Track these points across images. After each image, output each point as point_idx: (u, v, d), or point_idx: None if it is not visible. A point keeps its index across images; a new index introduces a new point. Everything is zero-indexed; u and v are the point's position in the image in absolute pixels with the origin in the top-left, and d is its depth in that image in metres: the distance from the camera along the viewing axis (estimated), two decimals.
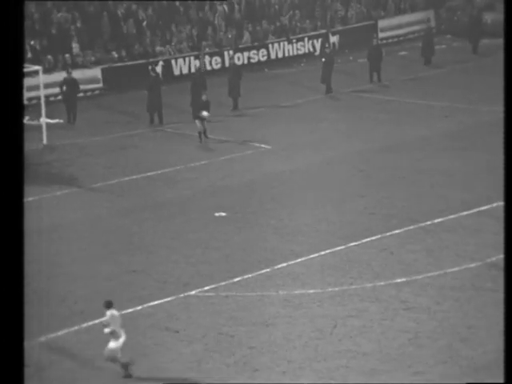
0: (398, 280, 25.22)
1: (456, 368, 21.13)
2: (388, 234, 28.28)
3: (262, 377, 21.07)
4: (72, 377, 20.83)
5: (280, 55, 49.91)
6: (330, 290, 25.03)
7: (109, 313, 20.48)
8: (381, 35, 51.48)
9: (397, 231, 28.41)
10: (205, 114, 36.93)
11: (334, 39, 50.22)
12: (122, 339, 20.46)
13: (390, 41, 52.34)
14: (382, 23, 52.88)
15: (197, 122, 37.02)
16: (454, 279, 25.31)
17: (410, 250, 27.19)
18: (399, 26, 53.33)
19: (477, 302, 24.02)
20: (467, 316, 23.37)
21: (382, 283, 25.18)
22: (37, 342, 21.61)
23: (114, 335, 20.46)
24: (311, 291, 25.14)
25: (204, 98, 37.30)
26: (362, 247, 27.53)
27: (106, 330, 20.45)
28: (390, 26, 53.15)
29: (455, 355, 21.62)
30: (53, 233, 28.88)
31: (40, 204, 31.15)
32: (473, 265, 26.08)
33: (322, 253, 27.32)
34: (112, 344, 20.47)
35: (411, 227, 28.62)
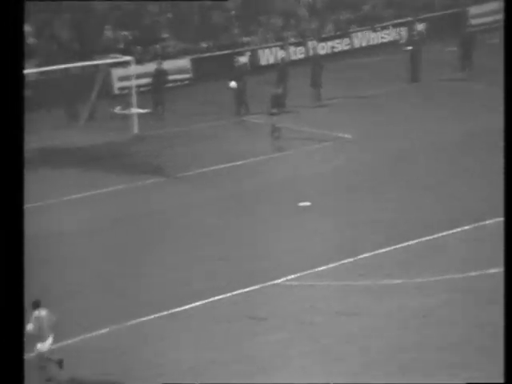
0: (491, 271, 24.84)
1: None
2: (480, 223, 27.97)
3: (342, 366, 20.99)
4: None
5: (364, 44, 49.66)
6: (414, 280, 24.83)
7: (36, 312, 20.01)
8: (472, 22, 50.49)
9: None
10: (232, 84, 37.08)
11: (420, 27, 49.68)
12: (49, 341, 20.06)
13: (480, 28, 50.91)
14: (473, 10, 52.01)
15: (271, 116, 36.27)
16: None
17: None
18: (489, 13, 52.12)
19: None
20: None
21: (473, 274, 24.97)
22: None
23: (40, 337, 20.03)
24: (395, 281, 25.01)
25: (280, 90, 36.75)
26: (449, 238, 27.26)
27: (29, 329, 19.75)
28: (480, 13, 52.19)
29: None
30: (142, 219, 29.27)
31: (128, 192, 31.70)
32: None
33: (406, 243, 27.11)
34: (39, 346, 20.02)
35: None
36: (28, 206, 28.80)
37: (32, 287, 23.81)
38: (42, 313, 20.01)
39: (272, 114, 35.90)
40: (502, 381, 15.37)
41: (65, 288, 24.92)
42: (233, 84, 34.15)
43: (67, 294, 24.57)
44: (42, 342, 19.95)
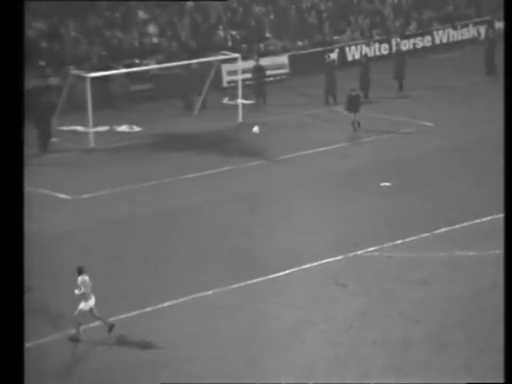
0: None
1: None
2: None
3: (421, 328, 21.09)
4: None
5: (444, 40, 49.18)
6: (491, 252, 24.44)
7: (80, 278, 20.52)
8: None
9: None
10: (255, 129, 36.22)
11: (499, 25, 48.59)
12: (91, 301, 20.59)
13: None
14: None
15: (349, 113, 35.95)
16: None
17: None
18: None
19: None
20: None
21: None
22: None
23: (84, 298, 20.56)
24: (471, 253, 24.94)
25: (354, 93, 36.05)
26: None
27: (77, 292, 20.56)
28: None
29: None
30: (249, 197, 29.52)
31: (234, 172, 32.01)
32: None
33: (484, 219, 26.92)
34: (82, 305, 20.58)
35: None
36: (153, 183, 30.09)
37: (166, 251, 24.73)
38: (85, 277, 20.53)
39: (349, 111, 35.85)
40: (502, 381, 14.36)
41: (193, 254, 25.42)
42: (255, 129, 32.02)
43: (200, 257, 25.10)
44: (85, 301, 20.53)
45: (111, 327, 20.85)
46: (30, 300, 18.39)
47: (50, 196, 29.82)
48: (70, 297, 20.83)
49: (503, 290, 14.76)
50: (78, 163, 33.09)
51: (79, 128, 35.31)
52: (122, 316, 21.78)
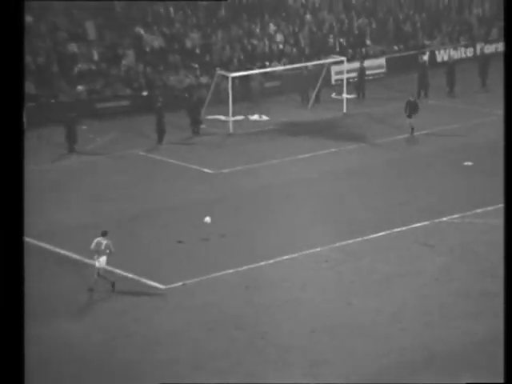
0: None
1: None
2: None
3: (498, 282, 20.26)
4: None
5: None
6: None
7: (99, 238, 19.95)
8: None
9: None
10: (207, 219, 23.59)
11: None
12: (101, 260, 19.95)
13: None
14: None
15: (407, 120, 33.17)
16: None
17: None
18: None
19: None
20: None
21: None
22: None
23: (96, 255, 19.89)
24: None
25: (412, 99, 33.48)
26: None
27: (91, 247, 19.94)
28: None
29: None
30: (349, 175, 29.09)
31: (340, 153, 31.55)
32: None
33: None
34: (96, 262, 20.00)
35: None
36: (277, 161, 30.28)
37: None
38: (103, 241, 19.81)
39: (408, 117, 33.51)
40: (501, 381, 12.46)
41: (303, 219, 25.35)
42: (207, 219, 23.31)
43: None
44: (96, 259, 19.94)
45: (113, 284, 20.30)
46: None
47: (197, 170, 30.10)
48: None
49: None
50: (220, 145, 33.40)
51: (222, 117, 35.56)
52: (256, 265, 21.83)
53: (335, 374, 17.13)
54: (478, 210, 25.38)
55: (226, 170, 30.09)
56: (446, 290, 20.51)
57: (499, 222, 24.05)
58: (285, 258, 22.53)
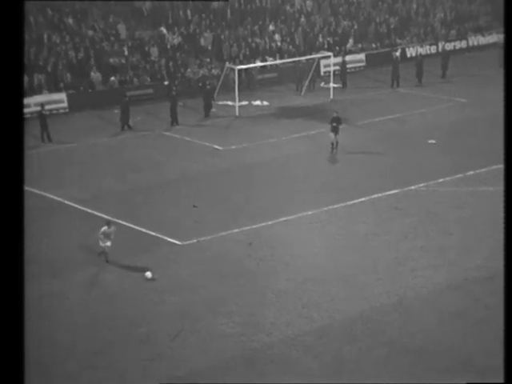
0: None
1: None
2: None
3: (454, 238, 20.45)
4: None
5: (475, 43, 46.15)
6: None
7: (106, 227, 18.89)
8: None
9: None
10: (148, 274, 18.58)
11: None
12: (106, 244, 18.86)
13: None
14: None
15: (331, 135, 28.10)
16: None
17: None
18: None
19: None
20: None
21: None
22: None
23: (104, 239, 18.86)
24: (491, 188, 23.91)
25: (336, 115, 28.14)
26: None
27: (102, 237, 18.82)
28: None
29: None
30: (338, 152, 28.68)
31: (324, 134, 30.36)
32: None
33: (500, 165, 25.29)
34: (102, 243, 18.95)
35: None
36: (275, 140, 30.02)
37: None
38: (108, 229, 18.82)
39: (333, 132, 28.13)
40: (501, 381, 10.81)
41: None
42: (148, 274, 18.38)
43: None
44: (104, 242, 18.89)
45: (106, 255, 19.18)
46: None
47: (209, 146, 29.77)
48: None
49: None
50: (228, 126, 32.91)
51: (229, 102, 35.06)
52: (258, 225, 21.63)
53: (323, 314, 17.14)
54: (440, 180, 25.16)
55: (233, 147, 29.73)
56: (413, 246, 20.41)
57: (457, 189, 24.31)
58: (282, 219, 22.36)
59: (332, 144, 28.03)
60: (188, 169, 27.20)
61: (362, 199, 23.85)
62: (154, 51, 38.27)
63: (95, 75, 35.36)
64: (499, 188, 23.34)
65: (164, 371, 15.12)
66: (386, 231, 21.44)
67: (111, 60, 36.75)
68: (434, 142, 29.33)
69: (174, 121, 32.54)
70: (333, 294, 18.00)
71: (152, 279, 17.77)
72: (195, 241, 21.03)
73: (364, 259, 19.78)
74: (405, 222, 21.99)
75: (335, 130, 28.02)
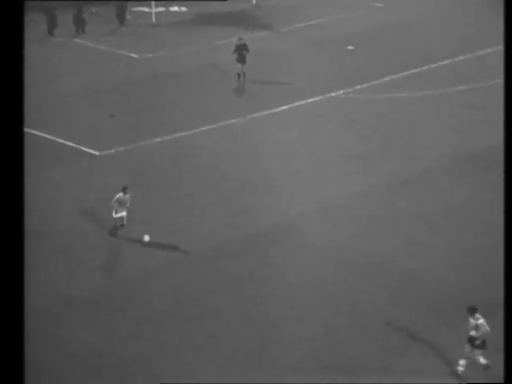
0: None
1: None
2: None
3: (372, 144, 20.70)
4: None
5: None
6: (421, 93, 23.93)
7: (121, 194, 16.31)
8: None
9: None
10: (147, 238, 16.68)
11: None
12: (121, 213, 16.39)
13: None
14: None
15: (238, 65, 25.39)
16: None
17: None
18: None
19: None
20: None
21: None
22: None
23: (117, 209, 16.32)
24: (405, 94, 24.14)
25: (241, 42, 25.26)
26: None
27: (116, 205, 16.27)
28: None
29: None
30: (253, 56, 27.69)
31: (246, 41, 29.21)
32: None
33: (417, 69, 25.97)
34: (116, 213, 16.36)
35: None
36: (195, 47, 28.88)
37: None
38: (123, 196, 16.37)
39: (239, 62, 25.37)
40: (501, 381, 10.74)
41: None
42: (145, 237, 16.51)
43: None
44: (118, 212, 16.33)
45: (117, 229, 16.68)
46: None
47: (125, 55, 28.73)
48: None
49: None
50: (144, 34, 31.67)
51: (145, 9, 33.67)
52: (179, 134, 21.06)
53: (248, 222, 17.11)
54: (358, 87, 25.16)
55: (150, 55, 28.72)
56: (334, 152, 20.63)
57: (374, 96, 24.36)
58: (203, 128, 22.00)
59: (238, 75, 24.96)
60: (103, 78, 26.18)
61: (285, 107, 23.67)
62: None
63: None
64: (414, 93, 24.25)
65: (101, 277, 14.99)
66: (309, 139, 21.48)
67: None
68: (352, 48, 29.16)
69: (80, 29, 30.98)
70: (257, 202, 17.99)
71: (148, 242, 16.06)
72: (114, 151, 20.54)
73: (290, 165, 19.89)
74: (326, 129, 22.10)
75: (242, 60, 24.71)
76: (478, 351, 12.38)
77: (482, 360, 12.47)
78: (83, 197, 18.13)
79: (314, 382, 12.19)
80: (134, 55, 28.74)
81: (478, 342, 12.28)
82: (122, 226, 16.41)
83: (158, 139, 21.15)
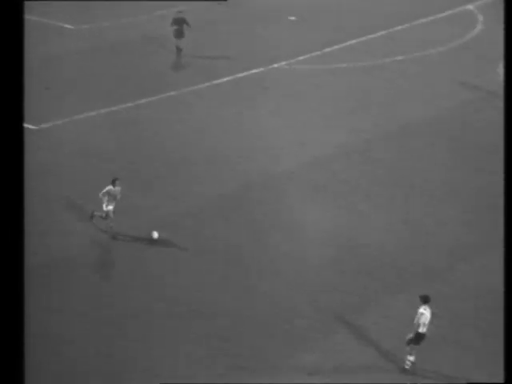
0: None
1: None
2: None
3: (315, 118, 20.95)
4: None
5: None
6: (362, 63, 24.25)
7: (110, 186, 15.64)
8: None
9: None
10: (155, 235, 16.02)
11: None
12: (109, 207, 15.68)
13: None
14: None
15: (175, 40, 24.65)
16: None
17: None
18: None
19: None
20: None
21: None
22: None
23: (107, 202, 15.70)
24: (344, 65, 24.43)
25: (180, 15, 24.64)
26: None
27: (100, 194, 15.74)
28: None
29: None
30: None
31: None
32: None
33: (356, 40, 26.16)
34: (106, 207, 15.63)
35: None
36: (130, 20, 27.92)
37: None
38: (113, 189, 15.63)
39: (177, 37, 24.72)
40: (501, 381, 10.45)
41: None
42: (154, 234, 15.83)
43: None
44: (107, 205, 15.63)
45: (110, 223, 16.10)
46: None
47: (60, 26, 27.56)
48: None
49: None
50: (80, 4, 29.87)
51: None
52: (118, 107, 20.68)
53: (192, 195, 17.05)
54: (300, 58, 25.14)
55: (86, 26, 27.60)
56: (276, 122, 20.73)
57: (315, 67, 24.49)
58: (144, 100, 21.63)
59: (177, 48, 24.06)
60: (38, 49, 25.26)
61: (227, 79, 23.44)
62: None
63: None
64: (353, 64, 24.48)
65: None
66: (252, 109, 21.36)
67: None
68: (293, 18, 28.94)
69: None
70: (201, 175, 17.94)
71: (156, 239, 15.43)
72: (51, 125, 20.02)
73: (232, 139, 19.80)
74: (269, 100, 22.04)
75: (179, 34, 23.71)
76: (408, 347, 11.72)
77: (410, 357, 11.80)
78: (28, 171, 17.41)
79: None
80: (69, 26, 27.86)
81: (409, 336, 11.65)
82: (106, 218, 15.58)
83: (93, 113, 20.74)
